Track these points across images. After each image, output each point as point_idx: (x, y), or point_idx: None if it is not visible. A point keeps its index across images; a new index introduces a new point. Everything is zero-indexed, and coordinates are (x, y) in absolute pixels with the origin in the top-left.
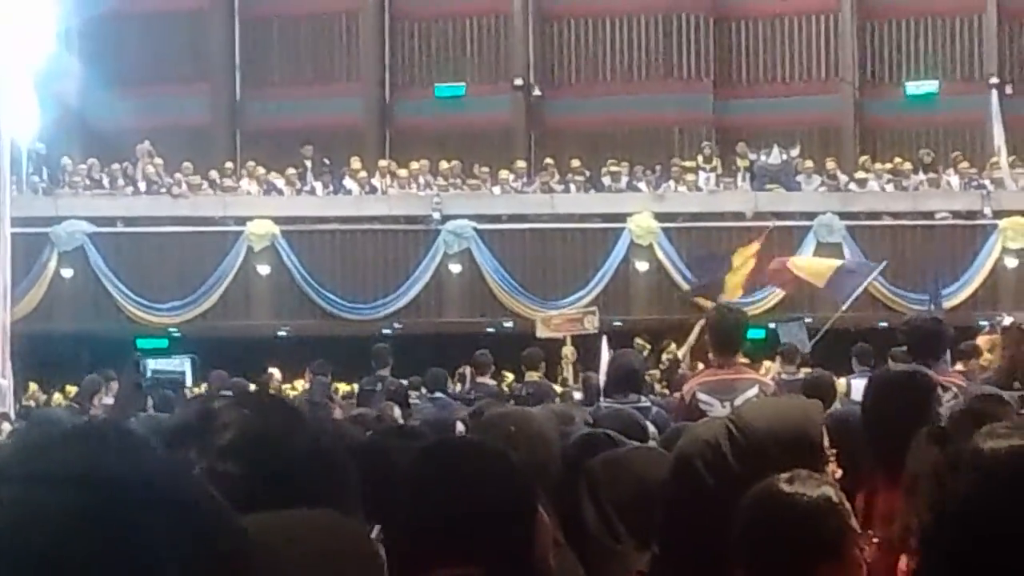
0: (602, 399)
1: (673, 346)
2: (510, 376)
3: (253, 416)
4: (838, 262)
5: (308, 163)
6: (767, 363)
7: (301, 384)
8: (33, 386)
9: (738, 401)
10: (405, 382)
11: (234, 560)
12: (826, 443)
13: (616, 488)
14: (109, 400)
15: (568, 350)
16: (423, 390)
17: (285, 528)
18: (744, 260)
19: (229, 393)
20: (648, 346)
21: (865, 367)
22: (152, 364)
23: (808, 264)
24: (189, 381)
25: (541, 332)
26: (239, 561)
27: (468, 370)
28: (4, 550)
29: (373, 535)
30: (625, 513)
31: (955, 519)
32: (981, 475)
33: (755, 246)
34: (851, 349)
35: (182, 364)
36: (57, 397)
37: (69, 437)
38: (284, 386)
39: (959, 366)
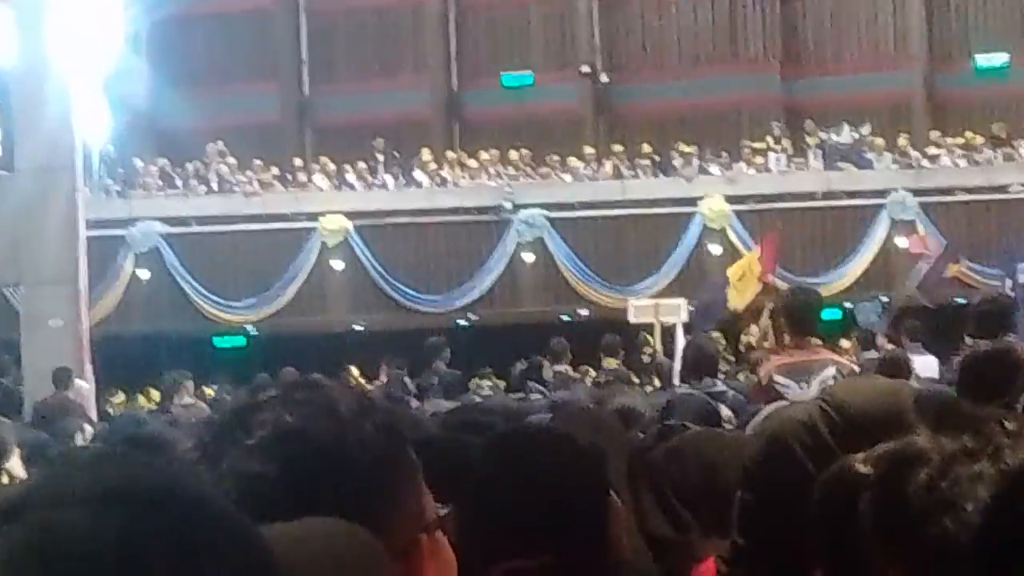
0: (678, 384)
1: (753, 328)
2: (587, 365)
3: (292, 413)
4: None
5: (379, 156)
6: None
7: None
8: (119, 394)
9: (815, 382)
10: (459, 373)
11: None
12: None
13: (682, 476)
14: (189, 400)
15: (649, 337)
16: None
17: (292, 536)
18: (743, 270)
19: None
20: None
21: (916, 343)
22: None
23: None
24: None
25: (634, 317)
26: None
27: (545, 360)
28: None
29: (442, 514)
30: (691, 501)
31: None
32: None
33: (755, 253)
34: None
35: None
36: (141, 400)
37: (93, 458)
38: (362, 381)
39: None
